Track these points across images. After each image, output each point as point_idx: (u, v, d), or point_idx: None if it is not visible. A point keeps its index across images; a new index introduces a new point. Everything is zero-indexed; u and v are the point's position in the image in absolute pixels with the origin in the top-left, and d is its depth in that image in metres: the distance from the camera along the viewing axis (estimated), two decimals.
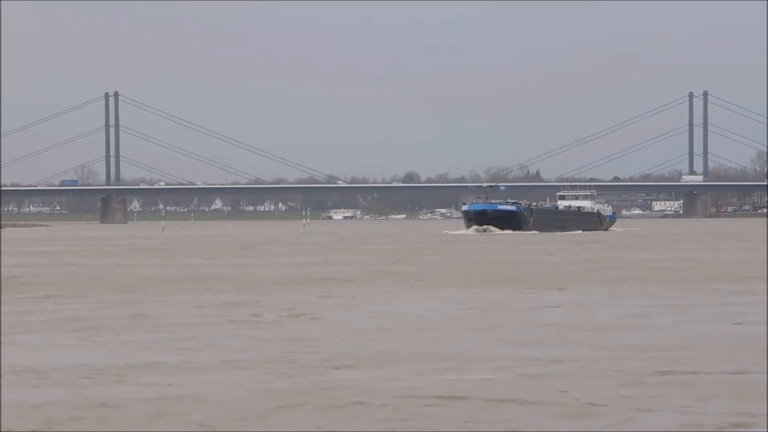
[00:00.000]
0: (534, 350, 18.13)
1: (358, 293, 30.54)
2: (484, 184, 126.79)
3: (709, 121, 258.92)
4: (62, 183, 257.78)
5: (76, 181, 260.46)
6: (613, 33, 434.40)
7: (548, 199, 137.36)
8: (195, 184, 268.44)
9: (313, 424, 12.28)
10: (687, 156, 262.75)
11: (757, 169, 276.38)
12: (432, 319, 23.36)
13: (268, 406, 13.25)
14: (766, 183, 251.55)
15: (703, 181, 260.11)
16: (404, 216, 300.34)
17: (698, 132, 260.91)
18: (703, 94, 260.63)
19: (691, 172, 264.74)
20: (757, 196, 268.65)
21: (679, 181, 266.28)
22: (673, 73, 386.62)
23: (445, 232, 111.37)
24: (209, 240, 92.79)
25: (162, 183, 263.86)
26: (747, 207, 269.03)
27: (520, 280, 35.80)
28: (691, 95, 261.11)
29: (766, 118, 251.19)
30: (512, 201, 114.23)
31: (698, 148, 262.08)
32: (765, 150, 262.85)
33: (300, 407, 13.21)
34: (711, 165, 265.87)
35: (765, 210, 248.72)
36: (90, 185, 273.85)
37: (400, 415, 12.71)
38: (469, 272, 40.60)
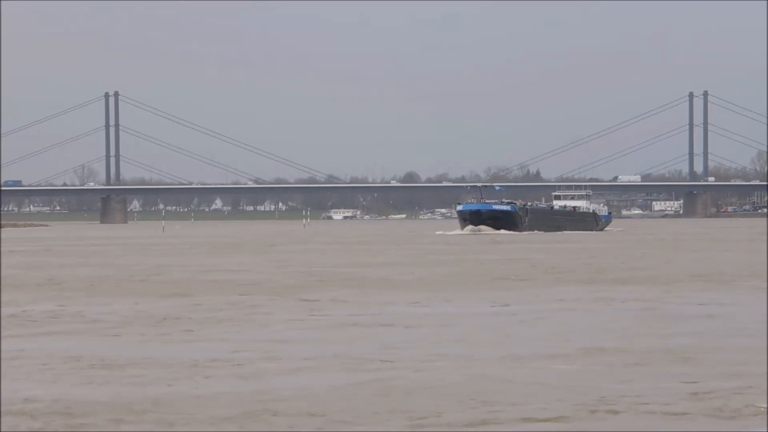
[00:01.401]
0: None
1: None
2: (479, 184, 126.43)
3: (709, 121, 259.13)
4: (6, 183, 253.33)
5: (19, 181, 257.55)
6: (613, 33, 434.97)
7: (543, 199, 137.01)
8: (195, 184, 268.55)
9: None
10: (687, 156, 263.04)
11: (758, 168, 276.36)
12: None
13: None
14: (765, 183, 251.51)
15: (639, 180, 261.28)
16: (404, 216, 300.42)
17: (698, 132, 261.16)
18: (703, 94, 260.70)
19: (691, 171, 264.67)
20: (757, 196, 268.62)
21: (615, 181, 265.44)
22: (673, 73, 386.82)
23: (437, 232, 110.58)
24: (249, 240, 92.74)
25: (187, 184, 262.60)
26: (747, 207, 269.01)
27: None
28: (691, 95, 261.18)
29: (766, 118, 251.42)
30: (507, 201, 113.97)
31: (698, 148, 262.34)
32: (765, 150, 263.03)
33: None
34: (711, 165, 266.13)
35: (765, 210, 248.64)
36: (90, 185, 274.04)
37: None
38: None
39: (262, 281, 36.26)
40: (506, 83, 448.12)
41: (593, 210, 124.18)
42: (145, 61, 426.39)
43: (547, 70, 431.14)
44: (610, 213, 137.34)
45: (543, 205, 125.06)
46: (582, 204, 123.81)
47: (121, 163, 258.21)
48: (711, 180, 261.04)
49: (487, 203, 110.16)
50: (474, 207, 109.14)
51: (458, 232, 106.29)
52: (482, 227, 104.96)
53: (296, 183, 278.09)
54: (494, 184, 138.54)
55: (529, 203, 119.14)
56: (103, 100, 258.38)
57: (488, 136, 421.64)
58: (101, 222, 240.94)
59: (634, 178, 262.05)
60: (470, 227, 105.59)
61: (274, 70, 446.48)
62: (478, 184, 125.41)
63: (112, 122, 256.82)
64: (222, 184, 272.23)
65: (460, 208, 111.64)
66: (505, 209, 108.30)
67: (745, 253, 55.33)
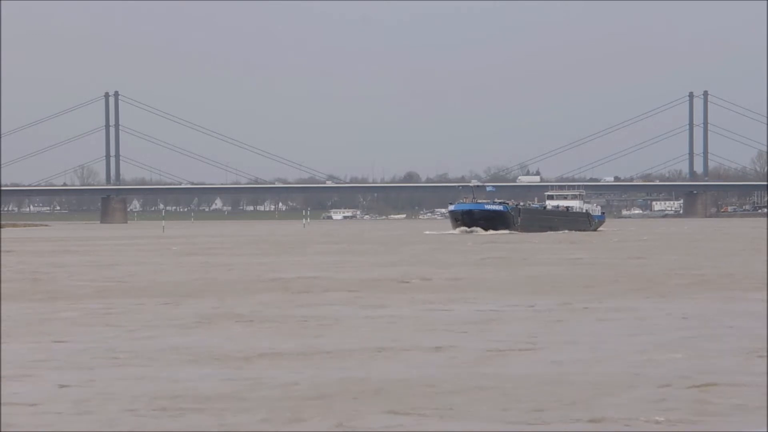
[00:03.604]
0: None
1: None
2: (471, 184, 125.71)
3: (709, 121, 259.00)
4: None
5: None
6: (612, 33, 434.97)
7: (536, 199, 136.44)
8: (195, 184, 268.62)
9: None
10: (687, 156, 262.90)
11: (758, 169, 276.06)
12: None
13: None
14: (765, 183, 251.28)
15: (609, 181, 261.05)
16: (404, 216, 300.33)
17: (698, 132, 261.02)
18: (703, 94, 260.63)
19: (691, 171, 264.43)
20: (757, 196, 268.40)
21: (516, 182, 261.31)
22: (673, 73, 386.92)
23: (426, 232, 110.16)
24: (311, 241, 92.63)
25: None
26: (747, 207, 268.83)
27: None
28: (691, 95, 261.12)
29: (766, 118, 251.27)
30: (499, 201, 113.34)
31: (698, 148, 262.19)
32: (765, 150, 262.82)
33: None
34: (711, 165, 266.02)
35: (765, 210, 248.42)
36: (90, 185, 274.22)
37: None
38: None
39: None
40: (506, 83, 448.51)
41: (586, 210, 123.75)
42: (145, 61, 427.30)
43: (547, 70, 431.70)
44: (604, 213, 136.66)
45: (536, 205, 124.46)
46: (575, 204, 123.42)
47: (121, 163, 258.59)
48: (609, 179, 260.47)
49: (480, 203, 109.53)
50: (466, 207, 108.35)
51: (450, 232, 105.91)
52: (474, 228, 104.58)
53: (296, 183, 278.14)
54: (486, 184, 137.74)
55: (521, 203, 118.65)
56: (103, 100, 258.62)
57: (488, 136, 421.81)
58: (101, 222, 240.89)
59: (534, 179, 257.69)
60: (462, 228, 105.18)
61: (274, 70, 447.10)
62: (470, 184, 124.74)
63: (112, 122, 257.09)
64: (222, 184, 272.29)
65: (452, 208, 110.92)
66: (497, 209, 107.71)
67: None
